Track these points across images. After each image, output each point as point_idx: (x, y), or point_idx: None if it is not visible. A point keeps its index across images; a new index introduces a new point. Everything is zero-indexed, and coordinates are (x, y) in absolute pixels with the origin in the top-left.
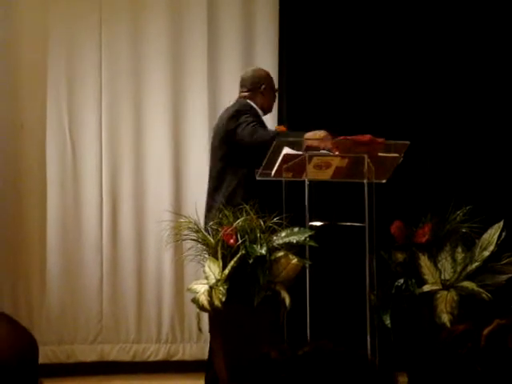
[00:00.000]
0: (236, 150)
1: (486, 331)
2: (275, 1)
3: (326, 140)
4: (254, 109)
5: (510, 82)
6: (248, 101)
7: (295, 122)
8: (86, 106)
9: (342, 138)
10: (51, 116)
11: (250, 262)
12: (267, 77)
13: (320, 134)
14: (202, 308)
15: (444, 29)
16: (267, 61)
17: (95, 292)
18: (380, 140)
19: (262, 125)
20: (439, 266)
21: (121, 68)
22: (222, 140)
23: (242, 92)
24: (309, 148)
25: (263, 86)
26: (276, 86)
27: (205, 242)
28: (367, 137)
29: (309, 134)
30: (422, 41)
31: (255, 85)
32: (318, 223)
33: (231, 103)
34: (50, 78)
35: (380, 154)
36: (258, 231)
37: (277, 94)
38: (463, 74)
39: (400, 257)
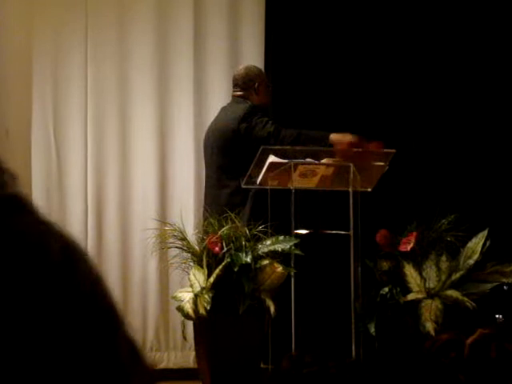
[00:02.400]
0: (239, 154)
1: (469, 341)
2: (261, 4)
3: (352, 146)
4: (258, 107)
5: (494, 92)
6: (247, 100)
7: (281, 122)
8: (72, 114)
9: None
10: (36, 124)
11: (235, 270)
12: (260, 74)
13: (348, 138)
14: (186, 316)
15: (430, 35)
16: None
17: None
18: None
19: (275, 122)
20: (424, 274)
21: (107, 76)
22: (227, 142)
23: (235, 91)
24: (339, 152)
25: (256, 84)
26: (269, 82)
27: (190, 250)
28: (378, 145)
29: (336, 137)
30: (410, 44)
31: (248, 83)
32: (304, 231)
33: (228, 103)
34: (35, 85)
35: (366, 163)
36: (243, 239)
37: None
38: (448, 81)
39: (385, 265)
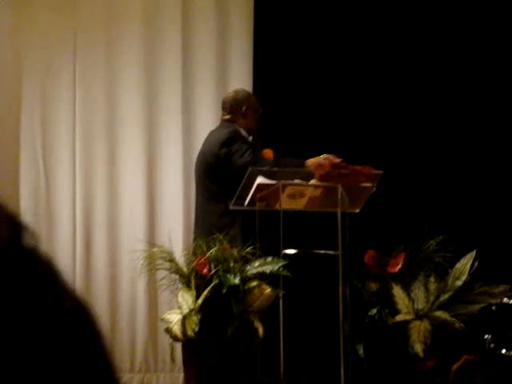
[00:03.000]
0: (222, 178)
1: (454, 367)
2: (249, 21)
3: (325, 163)
4: (241, 134)
5: (479, 117)
6: (234, 125)
7: (270, 142)
8: (60, 136)
9: (344, 165)
10: (25, 147)
11: (224, 291)
12: (249, 98)
13: (323, 159)
14: (175, 338)
15: (413, 63)
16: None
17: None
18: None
19: (255, 150)
20: (412, 295)
21: (95, 97)
22: (210, 165)
23: (223, 115)
24: (319, 176)
25: (244, 108)
26: (258, 107)
27: (178, 272)
28: (367, 168)
29: (312, 161)
30: (393, 68)
31: (236, 107)
32: (292, 251)
33: (216, 127)
34: (23, 109)
35: (353, 184)
36: (231, 261)
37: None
38: (435, 102)
39: (373, 286)
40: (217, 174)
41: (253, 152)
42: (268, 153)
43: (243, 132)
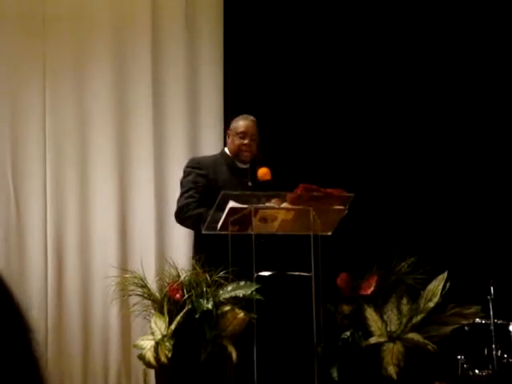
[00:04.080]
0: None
1: None
2: (219, 50)
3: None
4: (208, 161)
5: (454, 139)
6: (224, 148)
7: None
8: (31, 160)
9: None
10: None
11: (197, 316)
12: (234, 123)
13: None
14: (148, 364)
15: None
16: (212, 116)
17: (40, 347)
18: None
19: (199, 186)
20: (385, 317)
21: (65, 123)
22: None
23: None
24: (290, 199)
25: (228, 131)
26: (240, 129)
27: (151, 298)
28: (338, 191)
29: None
30: (367, 92)
31: (227, 131)
32: (266, 273)
33: None
34: None
35: (326, 207)
36: (204, 285)
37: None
38: (403, 125)
39: (346, 309)
40: None
41: (189, 197)
42: (264, 171)
43: (230, 154)
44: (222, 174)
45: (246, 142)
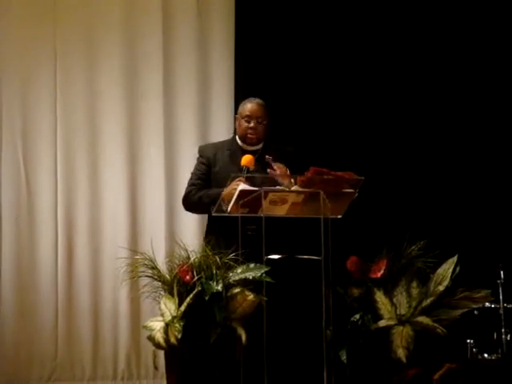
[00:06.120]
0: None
1: (436, 376)
2: (231, 43)
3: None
4: (209, 148)
5: (460, 121)
6: (234, 135)
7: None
8: (42, 144)
9: (326, 171)
10: (6, 152)
11: (206, 298)
12: (240, 105)
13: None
14: (157, 345)
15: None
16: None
17: (50, 330)
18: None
19: (203, 174)
20: (395, 301)
21: (77, 103)
22: None
23: None
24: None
25: (236, 116)
26: (246, 113)
27: (161, 279)
28: (348, 174)
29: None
30: (376, 74)
31: (236, 116)
32: (276, 256)
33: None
34: (4, 117)
35: (336, 190)
36: (214, 267)
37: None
38: (414, 106)
39: (356, 292)
40: None
41: (193, 184)
42: (248, 158)
43: (239, 141)
44: (223, 158)
45: (251, 125)
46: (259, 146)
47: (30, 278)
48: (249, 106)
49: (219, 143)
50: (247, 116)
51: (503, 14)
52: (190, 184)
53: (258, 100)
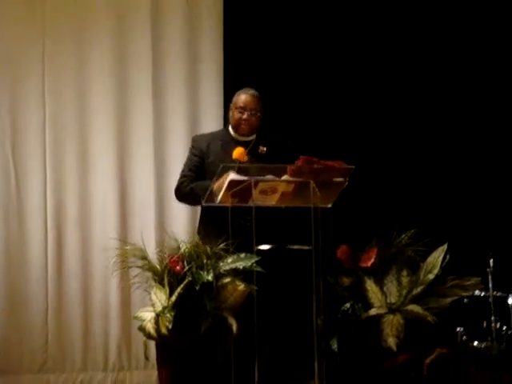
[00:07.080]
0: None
1: (427, 361)
2: (219, 34)
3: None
4: (203, 139)
5: (451, 112)
6: (228, 124)
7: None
8: (31, 134)
9: (316, 160)
10: None
11: (197, 288)
12: (235, 95)
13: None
14: (148, 336)
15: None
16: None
17: (40, 321)
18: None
19: (195, 165)
20: (385, 289)
21: (65, 93)
22: None
23: None
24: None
25: (230, 105)
26: (239, 104)
27: (151, 269)
28: (338, 163)
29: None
30: (369, 67)
31: (230, 105)
32: (266, 246)
33: None
34: None
35: (326, 179)
36: (204, 257)
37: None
38: (404, 96)
39: (346, 281)
40: None
41: (185, 176)
42: (239, 151)
43: (232, 131)
44: (215, 148)
45: (244, 116)
46: (252, 137)
47: (20, 269)
48: (243, 97)
49: (212, 134)
50: (241, 107)
51: (503, 14)
52: (182, 175)
53: (252, 91)
